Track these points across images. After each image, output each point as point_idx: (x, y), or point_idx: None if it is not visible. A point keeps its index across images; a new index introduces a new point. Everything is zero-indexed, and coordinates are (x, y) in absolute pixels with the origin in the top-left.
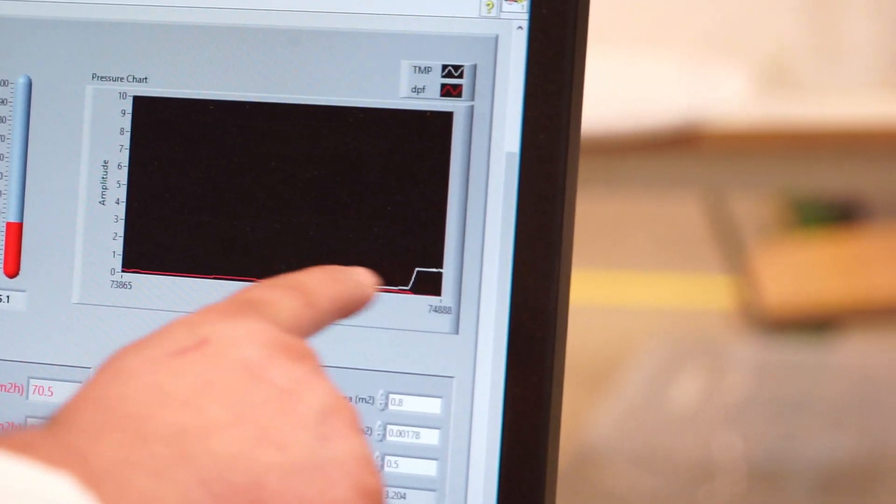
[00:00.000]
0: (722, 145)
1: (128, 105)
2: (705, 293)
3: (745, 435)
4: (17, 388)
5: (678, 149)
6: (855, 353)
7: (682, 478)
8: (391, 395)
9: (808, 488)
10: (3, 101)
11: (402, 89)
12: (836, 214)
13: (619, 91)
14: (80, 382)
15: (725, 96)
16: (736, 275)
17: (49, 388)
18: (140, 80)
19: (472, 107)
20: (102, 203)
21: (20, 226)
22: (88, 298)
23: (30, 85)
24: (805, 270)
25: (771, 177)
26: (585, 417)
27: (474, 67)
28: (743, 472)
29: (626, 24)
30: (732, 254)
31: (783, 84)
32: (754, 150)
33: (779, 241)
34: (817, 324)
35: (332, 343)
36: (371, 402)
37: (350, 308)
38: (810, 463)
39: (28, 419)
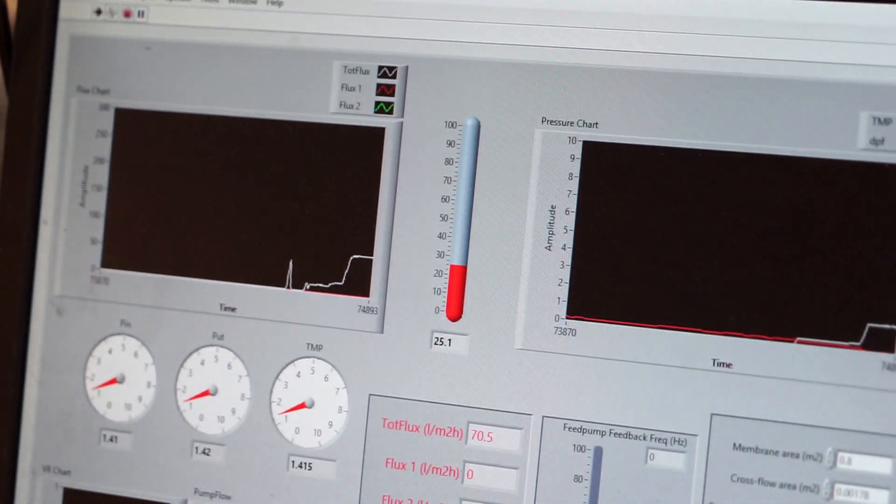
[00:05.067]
0: None
1: (577, 150)
2: None
3: None
4: (456, 433)
5: None
6: None
7: None
8: (840, 454)
9: None
10: (450, 143)
11: (860, 140)
12: None
13: None
14: (520, 429)
15: None
16: None
17: (489, 433)
18: (590, 125)
19: None
20: (549, 248)
21: (464, 269)
22: (531, 344)
23: (478, 127)
24: None
25: None
26: None
27: None
28: None
29: None
30: None
31: None
32: None
33: None
34: None
35: (783, 399)
36: (819, 459)
37: None
38: None
39: (466, 464)
